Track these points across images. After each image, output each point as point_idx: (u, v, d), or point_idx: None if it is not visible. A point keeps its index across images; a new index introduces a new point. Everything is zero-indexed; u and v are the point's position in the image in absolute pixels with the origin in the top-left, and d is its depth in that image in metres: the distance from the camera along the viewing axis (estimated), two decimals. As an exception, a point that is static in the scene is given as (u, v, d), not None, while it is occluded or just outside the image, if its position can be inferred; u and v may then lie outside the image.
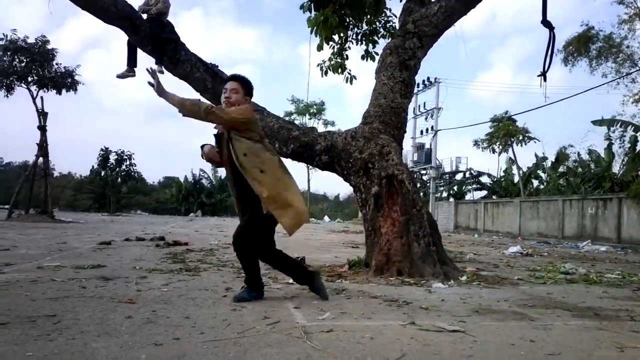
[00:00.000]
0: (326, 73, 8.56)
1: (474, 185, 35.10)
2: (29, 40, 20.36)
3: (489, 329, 3.03)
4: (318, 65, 8.57)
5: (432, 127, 32.10)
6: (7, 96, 20.63)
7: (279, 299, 3.88)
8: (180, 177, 55.30)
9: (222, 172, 54.12)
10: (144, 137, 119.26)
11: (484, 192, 33.95)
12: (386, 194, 5.50)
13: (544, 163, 28.65)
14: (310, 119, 38.36)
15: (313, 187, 42.43)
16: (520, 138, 27.19)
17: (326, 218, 46.95)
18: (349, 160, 5.94)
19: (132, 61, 6.18)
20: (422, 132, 33.85)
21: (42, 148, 19.99)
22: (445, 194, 36.18)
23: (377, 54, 8.42)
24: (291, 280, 4.71)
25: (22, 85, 20.62)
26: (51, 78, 20.82)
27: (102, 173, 44.35)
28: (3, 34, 20.38)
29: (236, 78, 3.86)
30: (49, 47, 20.83)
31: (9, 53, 19.91)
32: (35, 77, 20.53)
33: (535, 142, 27.77)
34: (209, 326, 2.85)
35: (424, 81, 31.60)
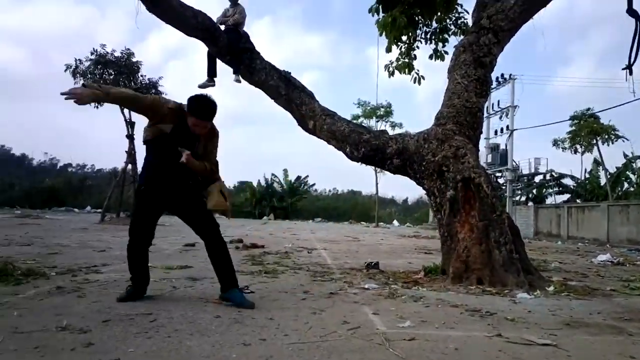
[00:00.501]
0: (393, 74, 8.50)
1: (555, 189, 33.10)
2: (115, 54, 21.94)
3: (583, 344, 2.87)
4: (385, 66, 8.54)
5: (507, 127, 30.72)
6: (97, 107, 22.35)
7: (357, 303, 3.90)
8: (254, 181, 56.98)
9: (292, 176, 55.41)
10: (220, 142, 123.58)
11: (566, 196, 31.97)
12: (462, 198, 5.35)
13: (634, 163, 26.50)
14: (377, 121, 37.99)
15: (381, 191, 41.95)
16: (606, 137, 25.35)
17: (395, 222, 46.34)
18: (422, 163, 5.84)
19: (212, 72, 6.49)
20: (496, 132, 32.48)
21: (130, 155, 21.40)
22: (523, 198, 34.42)
23: (446, 52, 8.26)
24: (367, 286, 4.75)
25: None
26: (137, 89, 22.34)
27: (182, 178, 46.72)
28: (93, 48, 22.10)
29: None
30: (134, 59, 22.33)
31: (99, 66, 21.54)
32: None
33: (623, 140, 25.79)
34: (292, 328, 2.94)
35: (497, 78, 30.28)
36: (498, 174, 31.56)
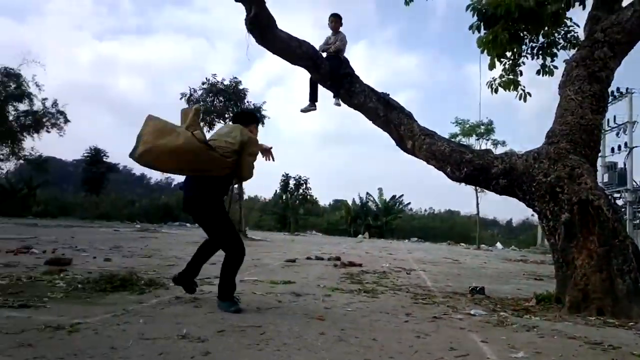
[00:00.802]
0: (496, 91, 8.17)
1: (684, 211, 29.32)
2: (225, 82, 23.62)
3: None
4: (488, 83, 8.24)
5: (625, 144, 27.98)
6: (208, 131, 24.12)
7: (463, 329, 3.76)
8: (349, 200, 57.42)
9: (387, 195, 54.98)
10: (317, 162, 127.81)
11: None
12: (579, 222, 4.96)
13: None
14: (477, 139, 36.50)
15: (481, 211, 40.02)
16: None
17: (498, 245, 43.81)
18: (532, 184, 5.51)
19: (313, 97, 6.75)
20: (613, 149, 29.66)
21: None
22: (645, 222, 30.89)
23: (555, 67, 7.81)
24: (473, 312, 4.57)
25: (221, 121, 23.90)
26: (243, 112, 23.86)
27: (283, 196, 48.49)
28: (206, 78, 24.02)
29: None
30: (241, 87, 23.90)
31: (210, 95, 23.33)
32: (231, 114, 23.70)
33: None
34: (396, 351, 2.92)
35: (612, 92, 27.77)
36: (616, 195, 28.73)
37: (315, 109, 6.77)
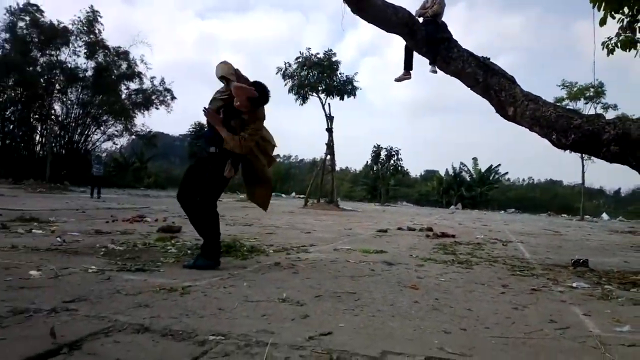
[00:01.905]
0: (612, 51, 7.40)
1: None
2: (319, 56, 23.81)
3: None
4: (603, 43, 7.49)
5: None
6: (302, 104, 24.59)
7: (563, 302, 3.61)
8: (440, 170, 55.89)
9: (482, 165, 52.59)
10: (408, 133, 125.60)
11: None
12: None
13: None
14: (586, 103, 33.40)
15: (587, 180, 36.93)
16: None
17: (604, 215, 40.37)
18: (648, 151, 5.04)
19: (408, 65, 6.61)
20: None
21: (329, 147, 23.20)
22: None
23: (678, 23, 6.89)
24: (575, 284, 4.35)
25: (314, 94, 24.24)
26: (335, 86, 23.95)
27: (374, 168, 48.38)
28: (300, 52, 24.43)
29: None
30: (334, 59, 23.95)
31: (304, 68, 23.69)
32: (324, 87, 23.92)
33: None
34: (492, 322, 2.89)
35: None
36: None
37: (410, 78, 6.65)
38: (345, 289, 3.63)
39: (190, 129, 44.52)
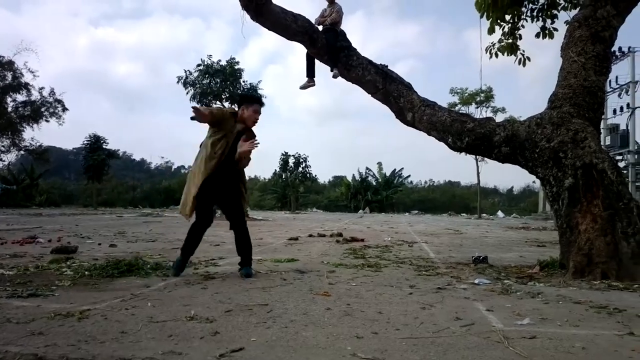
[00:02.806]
0: (496, 55, 8.04)
1: (689, 171, 29.31)
2: (221, 63, 23.37)
3: None
4: (487, 48, 8.10)
5: (627, 105, 27.81)
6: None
7: (467, 299, 3.77)
8: (348, 175, 57.52)
9: (387, 169, 54.94)
10: (315, 139, 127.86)
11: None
12: (583, 187, 4.92)
13: None
14: (477, 107, 36.28)
15: (483, 181, 40.03)
16: None
17: (500, 213, 44.01)
18: (535, 150, 5.46)
19: (311, 72, 6.63)
20: (615, 111, 29.51)
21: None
22: (648, 183, 30.92)
23: (556, 29, 7.68)
24: (477, 281, 4.58)
25: (217, 102, 23.72)
26: (239, 94, 23.64)
27: (283, 175, 48.49)
28: (201, 59, 23.78)
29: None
30: (237, 67, 23.64)
31: (207, 76, 23.12)
32: (228, 95, 23.49)
33: None
34: (402, 323, 2.93)
35: (614, 52, 27.47)
36: (618, 157, 28.71)
37: (314, 85, 6.67)
38: (256, 301, 3.50)
39: (85, 142, 41.91)
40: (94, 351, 2.25)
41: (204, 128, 4.76)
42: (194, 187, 4.57)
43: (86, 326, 2.73)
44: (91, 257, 6.08)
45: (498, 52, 7.95)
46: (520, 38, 7.83)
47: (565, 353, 2.36)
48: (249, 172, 71.69)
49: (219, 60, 23.59)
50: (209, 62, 23.36)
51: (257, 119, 4.85)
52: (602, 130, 28.83)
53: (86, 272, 4.65)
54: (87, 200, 46.15)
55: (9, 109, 32.49)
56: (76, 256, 6.09)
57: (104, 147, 41.77)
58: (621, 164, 28.67)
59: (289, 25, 5.91)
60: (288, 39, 6.14)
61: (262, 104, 5.10)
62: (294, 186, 47.83)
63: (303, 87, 6.61)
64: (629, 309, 3.40)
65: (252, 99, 5.00)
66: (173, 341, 2.46)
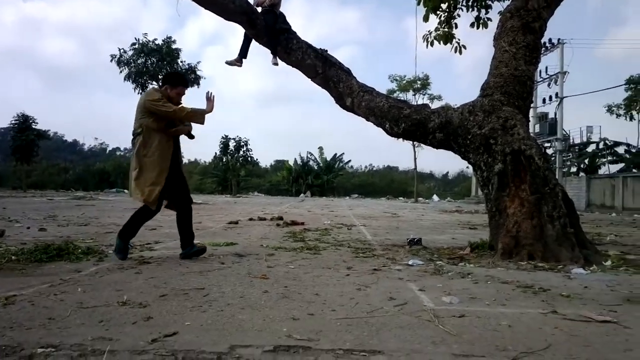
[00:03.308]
0: (432, 44, 8.25)
1: (609, 158, 31.65)
2: (157, 42, 22.47)
3: (646, 320, 2.76)
4: (424, 36, 8.29)
5: (556, 94, 29.51)
6: (141, 93, 23.06)
7: (401, 280, 3.88)
8: (290, 160, 57.53)
9: (328, 154, 55.40)
10: (257, 123, 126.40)
11: (620, 165, 30.55)
12: (512, 172, 5.18)
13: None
14: (414, 94, 37.26)
15: (419, 165, 41.35)
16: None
17: (435, 197, 45.75)
18: (467, 136, 5.66)
19: (243, 53, 6.47)
20: (544, 100, 31.30)
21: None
22: (574, 169, 33.17)
23: (490, 19, 7.97)
24: (411, 262, 4.73)
25: (154, 83, 22.81)
26: (165, 73, 22.92)
27: (224, 159, 47.68)
28: (135, 38, 22.76)
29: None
30: (174, 46, 22.82)
31: (142, 55, 22.15)
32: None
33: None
34: (338, 304, 2.97)
35: (545, 43, 29.00)
36: (547, 145, 30.51)
37: (240, 65, 6.51)
38: (192, 285, 3.43)
39: (13, 121, 39.31)
40: (19, 338, 2.18)
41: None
42: (160, 177, 4.55)
43: (12, 312, 2.63)
44: (19, 241, 5.82)
45: (434, 41, 8.15)
46: (456, 27, 8.08)
47: (492, 331, 2.48)
48: (189, 155, 69.95)
49: (155, 39, 22.73)
50: (145, 40, 22.41)
51: (181, 100, 4.82)
52: (531, 119, 30.31)
53: (13, 257, 4.45)
54: (15, 183, 43.62)
55: None
56: (3, 240, 5.83)
57: (33, 127, 39.46)
58: (549, 151, 30.55)
59: (226, 5, 5.75)
60: (226, 19, 5.98)
61: (186, 86, 5.07)
62: (235, 170, 47.22)
63: (229, 63, 6.45)
64: (553, 288, 3.61)
65: (177, 81, 4.91)
66: (104, 327, 2.39)
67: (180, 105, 4.70)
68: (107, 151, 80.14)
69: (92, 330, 2.32)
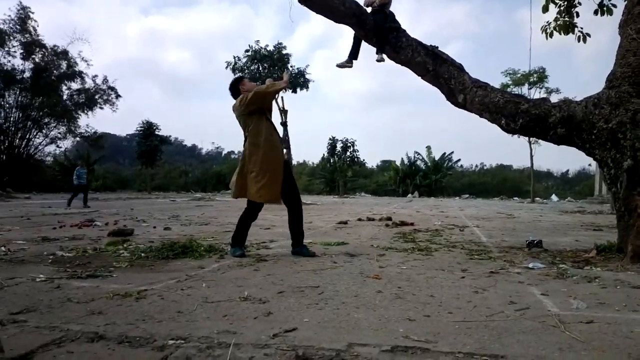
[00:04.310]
0: (551, 35, 7.70)
1: None
2: (269, 48, 23.58)
3: None
4: (542, 28, 7.77)
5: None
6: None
7: (522, 283, 3.71)
8: (396, 160, 56.95)
9: (436, 153, 53.87)
10: (363, 124, 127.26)
11: None
12: (644, 169, 4.70)
13: None
14: (530, 88, 34.82)
15: (536, 164, 38.57)
16: None
17: (554, 197, 42.33)
18: (592, 131, 5.23)
19: (354, 54, 6.56)
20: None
21: (285, 142, 22.95)
22: None
23: (614, 6, 7.26)
24: (531, 265, 4.49)
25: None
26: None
27: (331, 160, 48.60)
28: (249, 45, 24.09)
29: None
30: (284, 52, 23.79)
31: (255, 61, 23.42)
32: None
33: None
34: (455, 306, 2.92)
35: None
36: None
37: (351, 66, 6.60)
38: (308, 283, 3.59)
39: (139, 128, 43.44)
40: (151, 330, 2.34)
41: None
42: (279, 175, 4.96)
43: (144, 306, 2.82)
44: (147, 239, 6.34)
45: (554, 32, 7.61)
46: (577, 16, 7.46)
47: (624, 338, 2.30)
48: (298, 156, 72.47)
49: (267, 46, 23.81)
50: (257, 47, 23.64)
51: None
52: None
53: (142, 254, 4.83)
54: (141, 185, 47.97)
55: (64, 97, 34.05)
56: (132, 239, 6.35)
57: (156, 133, 43.15)
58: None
59: (336, 8, 5.88)
60: (336, 21, 6.11)
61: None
62: (342, 170, 47.88)
63: (340, 66, 6.57)
64: (692, 294, 3.24)
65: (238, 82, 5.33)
66: (228, 321, 2.52)
67: (257, 84, 5.26)
68: (223, 154, 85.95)
69: (217, 324, 2.45)
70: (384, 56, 6.43)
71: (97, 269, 4.05)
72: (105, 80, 35.56)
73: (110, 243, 5.70)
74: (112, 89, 35.92)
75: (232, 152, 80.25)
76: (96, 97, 35.26)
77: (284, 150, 23.12)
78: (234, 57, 23.97)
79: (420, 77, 6.58)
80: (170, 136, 51.44)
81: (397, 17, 6.39)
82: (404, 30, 6.40)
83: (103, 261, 4.51)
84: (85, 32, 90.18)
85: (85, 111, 35.06)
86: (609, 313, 2.79)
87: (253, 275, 3.92)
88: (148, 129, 42.66)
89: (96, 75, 35.22)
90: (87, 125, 36.19)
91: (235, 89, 5.18)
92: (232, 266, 4.34)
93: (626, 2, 5.88)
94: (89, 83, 34.87)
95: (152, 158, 42.31)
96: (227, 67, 23.82)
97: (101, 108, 35.77)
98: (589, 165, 49.13)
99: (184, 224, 9.34)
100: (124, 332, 2.31)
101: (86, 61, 34.10)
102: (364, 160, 49.49)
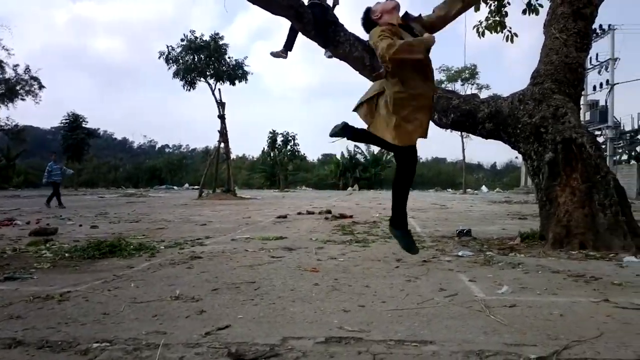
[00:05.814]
0: (483, 34, 8.09)
1: (662, 145, 29.91)
2: (205, 38, 22.93)
3: None
4: (474, 27, 8.14)
5: (607, 81, 28.15)
6: (189, 90, 23.63)
7: (451, 271, 3.86)
8: (337, 153, 57.57)
9: (375, 147, 55.01)
10: (304, 118, 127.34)
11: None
12: (563, 161, 5.03)
13: None
14: (462, 84, 36.43)
15: (467, 156, 40.42)
16: None
17: (484, 188, 44.62)
18: (517, 126, 5.54)
19: (288, 45, 6.50)
20: (594, 87, 29.87)
21: (223, 135, 22.43)
22: (625, 157, 31.60)
23: (541, 6, 7.74)
24: (460, 253, 4.69)
25: (202, 79, 23.34)
26: (225, 71, 23.26)
27: (271, 154, 48.30)
28: (184, 34, 23.29)
29: None
30: (221, 42, 23.22)
31: (190, 52, 22.70)
32: (213, 71, 23.11)
33: None
34: (388, 296, 3.00)
35: (595, 29, 27.69)
36: (597, 132, 29.25)
37: (285, 57, 6.54)
38: (244, 279, 3.54)
39: (64, 121, 41.06)
40: (74, 333, 2.23)
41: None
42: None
43: (67, 308, 2.68)
44: (71, 238, 6.01)
45: (485, 30, 7.98)
46: (507, 15, 7.87)
47: (544, 320, 2.45)
48: (238, 150, 71.36)
49: (202, 36, 23.16)
50: (192, 37, 22.94)
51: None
52: (582, 106, 29.12)
53: (66, 254, 4.57)
54: (66, 181, 45.67)
55: (-19, 88, 31.72)
56: (56, 238, 6.00)
57: (83, 125, 41.03)
58: (600, 139, 29.18)
59: (273, -1, 5.81)
60: (273, 13, 6.03)
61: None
62: (283, 164, 47.77)
63: (274, 55, 6.49)
64: (605, 277, 3.52)
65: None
66: (157, 321, 2.44)
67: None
68: (157, 148, 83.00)
69: (146, 325, 2.36)
70: (331, 52, 6.43)
71: (17, 271, 3.81)
72: (27, 69, 33.46)
73: (31, 243, 5.37)
74: (35, 79, 33.83)
75: (167, 145, 77.85)
76: (17, 87, 33.01)
77: (221, 144, 22.74)
78: (168, 47, 23.16)
79: (358, 72, 6.65)
80: (98, 129, 49.18)
81: (337, 11, 6.41)
82: (342, 25, 6.43)
83: (23, 262, 4.24)
84: (5, 19, 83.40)
85: (5, 102, 32.77)
86: (530, 297, 2.96)
87: (186, 273, 3.80)
88: (74, 122, 40.45)
89: (17, 65, 33.03)
90: (7, 117, 33.86)
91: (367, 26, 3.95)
92: (164, 264, 4.19)
93: (551, 2, 6.26)
94: (10, 73, 32.63)
95: (78, 152, 40.22)
96: (159, 57, 22.97)
97: (23, 99, 33.63)
98: (516, 157, 52.03)
99: (113, 221, 8.94)
100: (45, 336, 2.19)
101: (7, 50, 31.85)
102: (304, 154, 49.69)
